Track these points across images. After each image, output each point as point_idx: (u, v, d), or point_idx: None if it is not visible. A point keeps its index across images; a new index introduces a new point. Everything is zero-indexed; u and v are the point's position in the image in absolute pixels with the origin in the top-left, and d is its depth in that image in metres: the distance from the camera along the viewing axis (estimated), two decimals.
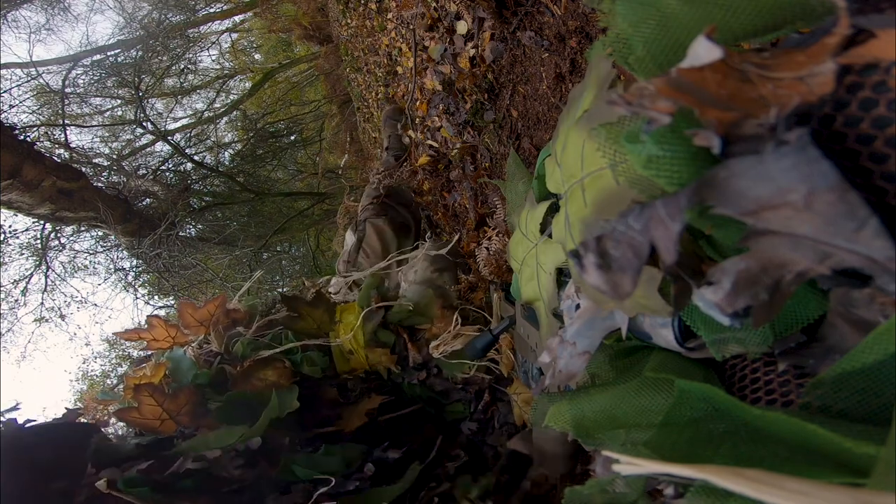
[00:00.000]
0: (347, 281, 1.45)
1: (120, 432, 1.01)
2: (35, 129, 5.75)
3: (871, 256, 0.24)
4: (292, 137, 8.40)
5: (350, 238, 1.70)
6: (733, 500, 0.25)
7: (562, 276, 0.64)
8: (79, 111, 6.96)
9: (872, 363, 0.25)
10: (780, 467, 0.22)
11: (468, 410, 1.13)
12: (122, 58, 7.03)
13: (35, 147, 4.44)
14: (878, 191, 0.25)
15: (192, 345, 1.15)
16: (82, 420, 1.03)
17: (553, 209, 0.66)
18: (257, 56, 9.54)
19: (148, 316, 1.14)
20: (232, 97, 8.51)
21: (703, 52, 0.26)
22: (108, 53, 7.11)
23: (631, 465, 0.26)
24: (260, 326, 1.21)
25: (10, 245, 5.89)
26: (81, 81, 6.82)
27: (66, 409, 1.02)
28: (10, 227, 5.87)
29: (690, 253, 0.35)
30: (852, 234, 0.24)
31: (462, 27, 1.72)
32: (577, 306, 0.56)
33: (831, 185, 0.24)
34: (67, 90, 6.49)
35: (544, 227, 0.68)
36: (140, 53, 6.93)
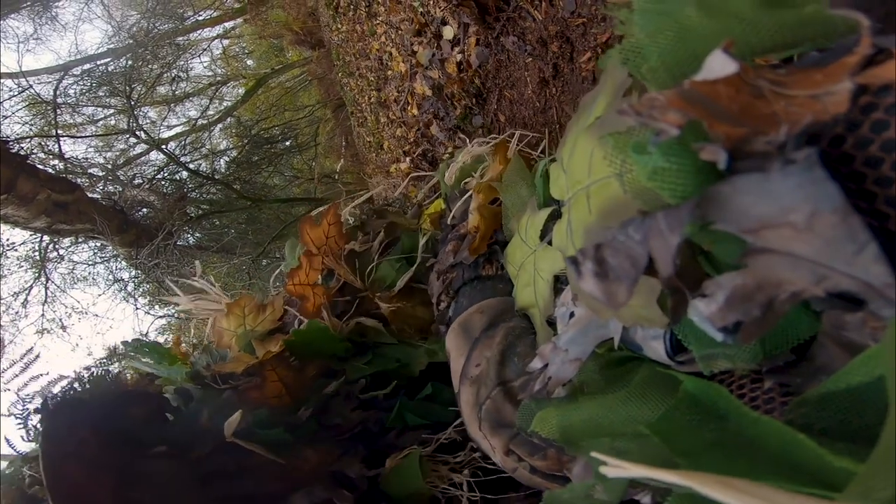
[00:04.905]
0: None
1: None
2: (28, 139, 5.67)
3: (867, 281, 0.25)
4: (287, 143, 8.30)
5: None
6: None
7: (558, 283, 0.64)
8: (71, 121, 6.80)
9: (857, 385, 0.25)
10: (762, 477, 0.23)
11: None
12: (113, 66, 6.92)
13: (28, 160, 4.38)
14: (880, 215, 0.26)
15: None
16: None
17: (554, 216, 0.66)
18: (249, 62, 9.43)
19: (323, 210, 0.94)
20: (225, 104, 8.38)
21: (719, 65, 0.27)
22: (98, 63, 7.00)
23: (617, 468, 0.26)
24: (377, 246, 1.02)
25: (8, 258, 5.81)
26: (73, 91, 6.68)
27: (112, 372, 0.88)
28: (7, 239, 5.81)
29: (690, 266, 0.35)
30: (851, 257, 0.24)
31: (448, 32, 1.72)
32: (572, 314, 0.56)
33: (835, 207, 0.24)
34: (59, 100, 6.35)
35: (544, 234, 0.68)
36: (130, 62, 6.82)
